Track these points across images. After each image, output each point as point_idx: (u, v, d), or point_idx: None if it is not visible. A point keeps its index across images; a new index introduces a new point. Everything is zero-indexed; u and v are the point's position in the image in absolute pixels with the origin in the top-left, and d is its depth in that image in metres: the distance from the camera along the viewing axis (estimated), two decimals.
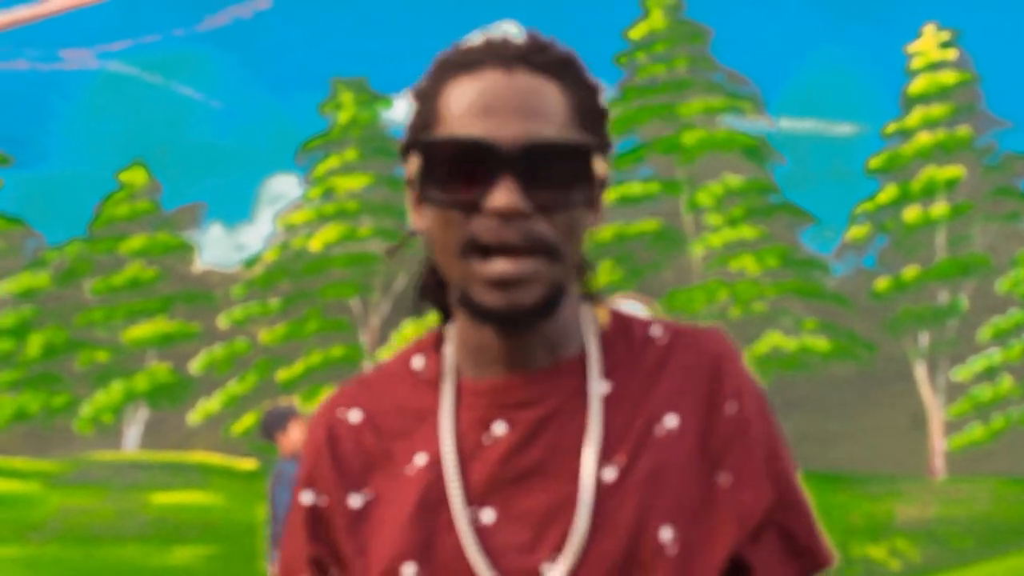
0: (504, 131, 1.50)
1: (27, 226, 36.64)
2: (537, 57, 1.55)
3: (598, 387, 1.60)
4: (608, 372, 1.62)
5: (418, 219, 1.61)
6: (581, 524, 1.53)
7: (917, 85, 33.86)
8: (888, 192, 33.09)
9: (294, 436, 8.59)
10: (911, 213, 32.96)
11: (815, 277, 32.81)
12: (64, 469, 29.41)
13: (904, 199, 33.08)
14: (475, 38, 1.61)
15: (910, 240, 33.29)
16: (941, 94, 33.74)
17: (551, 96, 1.53)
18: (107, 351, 34.64)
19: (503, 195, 1.48)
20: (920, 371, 33.37)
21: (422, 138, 1.56)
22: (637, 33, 35.53)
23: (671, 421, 1.59)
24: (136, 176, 36.15)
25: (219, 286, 36.93)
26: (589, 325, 1.65)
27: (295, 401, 10.71)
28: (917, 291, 33.09)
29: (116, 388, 33.89)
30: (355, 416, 1.68)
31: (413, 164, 1.58)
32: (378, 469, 1.64)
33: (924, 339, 33.38)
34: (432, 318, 1.72)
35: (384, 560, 1.59)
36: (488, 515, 1.56)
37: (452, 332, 1.66)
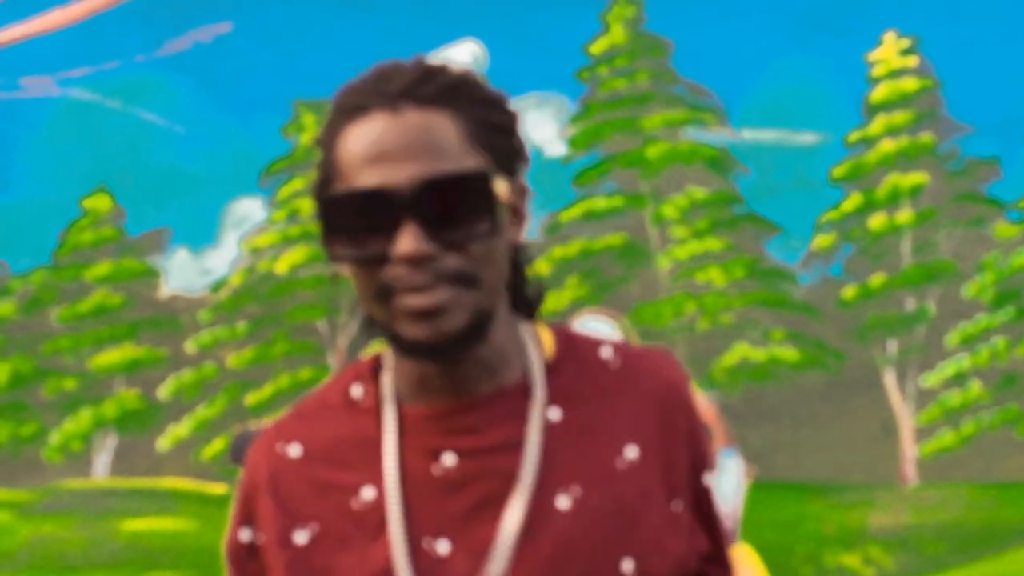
0: (397, 176, 1.47)
1: None
2: (422, 89, 1.51)
3: (545, 413, 1.57)
4: (557, 398, 1.59)
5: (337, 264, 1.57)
6: (499, 561, 1.52)
7: (879, 93, 34.01)
8: (853, 200, 33.20)
9: None
10: (876, 221, 33.08)
11: (782, 287, 32.89)
12: (34, 498, 29.27)
13: (869, 207, 33.21)
14: (363, 75, 1.57)
15: (876, 248, 33.40)
16: (903, 101, 33.92)
17: (442, 128, 1.50)
18: (75, 379, 34.50)
19: (406, 242, 1.46)
20: (889, 378, 33.47)
21: (320, 194, 1.54)
22: (598, 48, 35.61)
23: (631, 452, 1.57)
24: (100, 202, 36.04)
25: (186, 311, 36.81)
26: (532, 348, 1.62)
27: (264, 424, 10.66)
28: (884, 298, 33.20)
29: (84, 415, 33.74)
30: (295, 451, 1.64)
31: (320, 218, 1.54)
32: (322, 502, 1.61)
33: (892, 346, 33.49)
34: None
35: None
36: (444, 546, 1.54)
37: (389, 360, 1.64)
